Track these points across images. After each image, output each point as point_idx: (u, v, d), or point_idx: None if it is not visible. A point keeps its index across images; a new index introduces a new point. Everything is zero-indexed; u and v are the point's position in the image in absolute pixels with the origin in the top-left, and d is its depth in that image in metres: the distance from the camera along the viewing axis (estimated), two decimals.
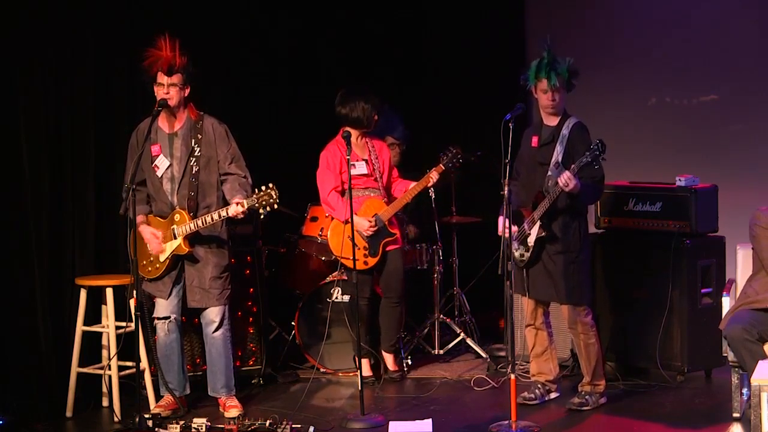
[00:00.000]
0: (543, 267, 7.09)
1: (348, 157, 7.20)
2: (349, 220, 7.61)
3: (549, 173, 7.01)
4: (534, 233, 7.06)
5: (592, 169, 6.90)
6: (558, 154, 7.02)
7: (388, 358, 7.97)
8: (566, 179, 6.81)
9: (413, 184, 7.77)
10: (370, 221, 7.68)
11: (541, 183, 7.05)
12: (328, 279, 8.13)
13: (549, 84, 6.96)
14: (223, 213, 6.89)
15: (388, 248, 7.78)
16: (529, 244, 7.09)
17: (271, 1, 8.96)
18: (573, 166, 6.86)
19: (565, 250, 7.05)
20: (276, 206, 6.81)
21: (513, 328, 7.05)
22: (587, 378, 7.20)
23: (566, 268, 7.04)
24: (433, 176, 7.70)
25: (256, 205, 6.80)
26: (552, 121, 7.12)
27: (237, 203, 6.85)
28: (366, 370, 7.86)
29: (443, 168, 7.70)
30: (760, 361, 6.34)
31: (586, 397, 7.16)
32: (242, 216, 6.91)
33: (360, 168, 7.73)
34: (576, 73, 7.02)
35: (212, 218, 6.92)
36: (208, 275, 7.08)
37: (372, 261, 7.74)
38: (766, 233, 6.65)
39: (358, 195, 7.72)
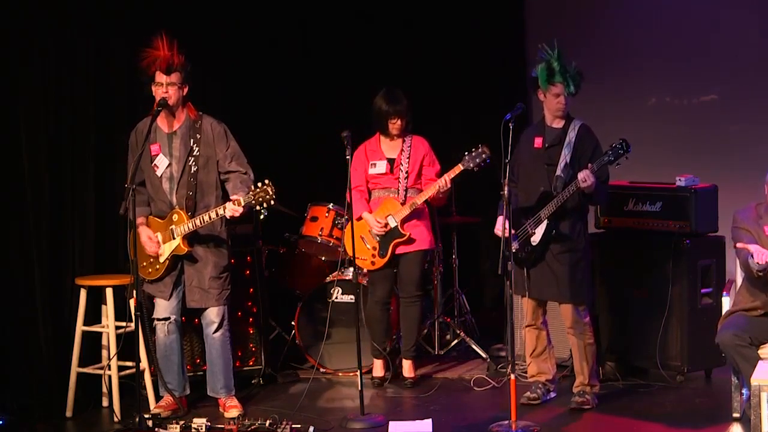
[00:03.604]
0: (547, 267, 7.10)
1: (348, 157, 7.18)
2: (361, 217, 7.62)
3: (558, 174, 7.02)
4: (539, 232, 7.06)
5: (600, 169, 6.93)
6: (566, 155, 7.04)
7: (406, 364, 7.86)
8: (585, 176, 6.83)
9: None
10: (379, 221, 7.64)
11: (545, 183, 7.07)
12: (328, 279, 8.12)
13: (566, 90, 6.99)
14: (221, 211, 6.89)
15: (401, 250, 7.67)
16: (533, 244, 7.09)
17: (271, 1, 8.96)
18: (593, 165, 6.88)
19: (570, 249, 7.06)
20: (273, 202, 6.80)
21: (513, 328, 7.05)
22: (585, 379, 7.20)
23: (571, 268, 7.05)
24: (449, 176, 7.49)
25: (253, 201, 6.80)
26: (558, 123, 7.14)
27: (234, 201, 6.84)
28: (378, 371, 7.84)
29: (461, 168, 7.46)
30: (760, 362, 6.35)
31: (587, 396, 7.16)
32: (239, 215, 6.89)
33: (379, 167, 7.68)
34: (583, 76, 7.05)
35: (210, 217, 6.92)
36: (208, 275, 7.08)
37: (380, 262, 7.68)
38: (737, 231, 6.68)
39: (378, 195, 7.71)
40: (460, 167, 7.49)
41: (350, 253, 7.48)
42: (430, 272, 8.50)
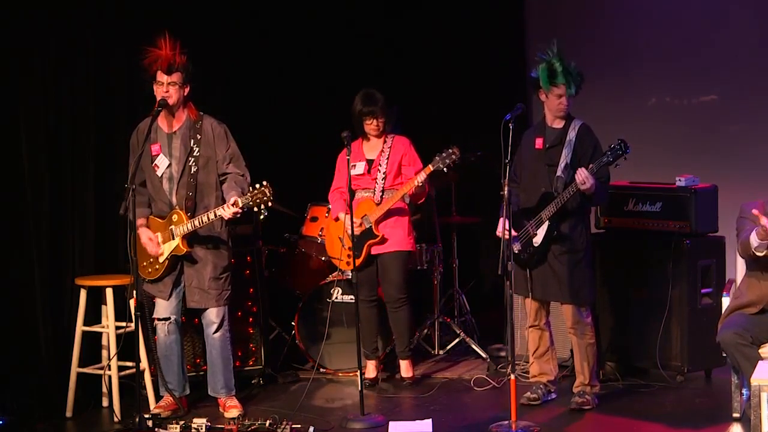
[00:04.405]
0: (549, 267, 7.10)
1: (348, 157, 7.19)
2: (339, 218, 7.63)
3: (558, 174, 7.03)
4: (541, 233, 7.06)
5: (600, 170, 6.93)
6: (567, 156, 7.04)
7: (402, 365, 7.84)
8: (584, 177, 6.83)
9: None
10: (354, 221, 7.59)
11: (547, 184, 7.07)
12: (328, 279, 8.12)
13: (568, 91, 7.00)
14: (219, 212, 6.89)
15: (377, 251, 7.64)
16: (535, 245, 7.09)
17: (272, 1, 8.96)
18: (591, 165, 6.89)
19: (571, 250, 7.06)
20: (270, 204, 6.80)
21: (513, 328, 7.05)
22: (586, 380, 7.19)
23: (572, 268, 7.05)
24: (419, 178, 7.47)
25: (251, 203, 6.81)
26: (558, 124, 7.15)
27: (232, 204, 6.84)
28: (370, 372, 7.84)
29: (431, 169, 7.46)
30: (760, 362, 6.35)
31: (587, 396, 7.16)
32: (235, 216, 6.88)
33: (358, 168, 7.69)
34: (583, 77, 7.06)
35: (209, 218, 6.92)
36: (207, 276, 7.08)
37: (356, 262, 7.62)
38: (742, 220, 6.67)
39: (358, 196, 7.70)
40: (430, 168, 7.47)
41: (330, 252, 7.59)
42: (430, 272, 8.50)
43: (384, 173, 7.68)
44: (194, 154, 7.05)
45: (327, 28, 9.22)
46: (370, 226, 7.63)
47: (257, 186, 6.81)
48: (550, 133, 7.17)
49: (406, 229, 7.72)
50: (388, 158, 7.69)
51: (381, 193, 7.68)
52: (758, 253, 6.50)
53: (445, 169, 7.45)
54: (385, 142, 7.73)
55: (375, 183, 7.69)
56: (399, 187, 7.65)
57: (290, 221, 8.51)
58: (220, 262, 7.11)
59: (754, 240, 6.46)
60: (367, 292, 7.76)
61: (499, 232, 7.02)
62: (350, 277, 7.83)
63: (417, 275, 8.47)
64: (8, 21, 7.28)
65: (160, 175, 7.07)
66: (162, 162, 7.06)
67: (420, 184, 7.49)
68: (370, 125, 7.67)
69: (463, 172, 8.40)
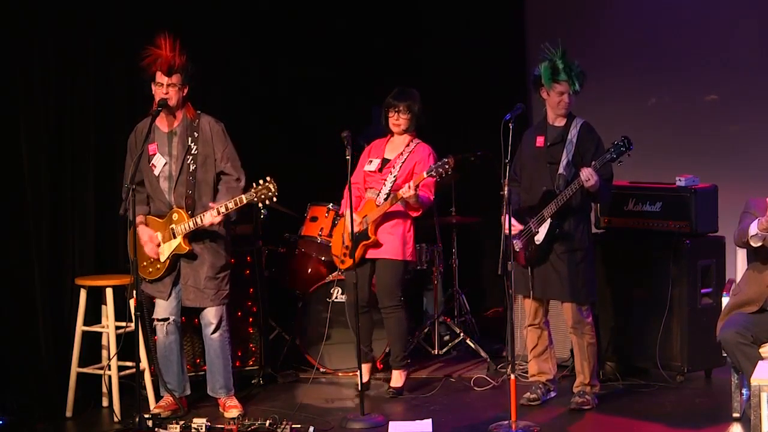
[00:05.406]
0: (551, 266, 7.09)
1: (348, 157, 7.16)
2: (343, 214, 7.57)
3: (561, 172, 7.03)
4: (543, 231, 7.06)
5: (602, 167, 6.94)
6: (568, 153, 7.05)
7: (393, 374, 7.71)
8: (588, 174, 6.83)
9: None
10: (357, 221, 7.50)
11: (548, 182, 7.07)
12: (328, 279, 8.12)
13: (571, 89, 7.00)
14: (222, 209, 6.88)
15: (372, 255, 7.53)
16: (537, 242, 7.09)
17: (272, 2, 8.96)
18: (595, 162, 6.89)
19: (573, 248, 7.06)
20: (275, 199, 6.80)
21: (513, 328, 7.05)
22: (586, 379, 7.20)
23: (575, 267, 7.05)
24: (409, 185, 7.32)
25: (255, 199, 6.81)
26: (559, 122, 7.15)
27: (215, 211, 6.82)
28: (364, 376, 7.79)
29: (424, 176, 7.32)
30: (760, 362, 6.35)
31: (587, 396, 7.16)
32: (218, 222, 6.89)
33: (372, 165, 7.62)
34: (586, 75, 7.06)
35: (211, 215, 6.92)
36: (203, 275, 7.07)
37: (348, 262, 7.53)
38: (746, 215, 6.68)
39: (366, 195, 7.64)
40: (423, 175, 7.36)
41: (333, 250, 7.56)
42: (430, 272, 8.49)
43: (395, 176, 7.55)
44: (192, 152, 7.05)
45: (327, 28, 9.22)
46: (367, 228, 7.56)
47: (261, 182, 6.82)
48: (551, 131, 7.17)
49: (401, 237, 7.54)
50: (403, 162, 7.57)
51: (386, 196, 7.56)
52: (752, 243, 6.52)
53: (437, 178, 7.35)
54: (407, 145, 7.63)
55: (383, 184, 7.59)
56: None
57: (290, 221, 8.50)
58: (217, 262, 7.11)
59: (753, 228, 6.48)
60: (351, 297, 7.57)
61: (506, 229, 6.99)
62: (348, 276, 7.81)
63: (417, 275, 8.47)
64: (8, 21, 7.27)
65: (157, 174, 7.07)
66: (159, 161, 7.06)
67: (412, 193, 7.32)
68: (392, 118, 7.58)
69: (463, 172, 8.40)
